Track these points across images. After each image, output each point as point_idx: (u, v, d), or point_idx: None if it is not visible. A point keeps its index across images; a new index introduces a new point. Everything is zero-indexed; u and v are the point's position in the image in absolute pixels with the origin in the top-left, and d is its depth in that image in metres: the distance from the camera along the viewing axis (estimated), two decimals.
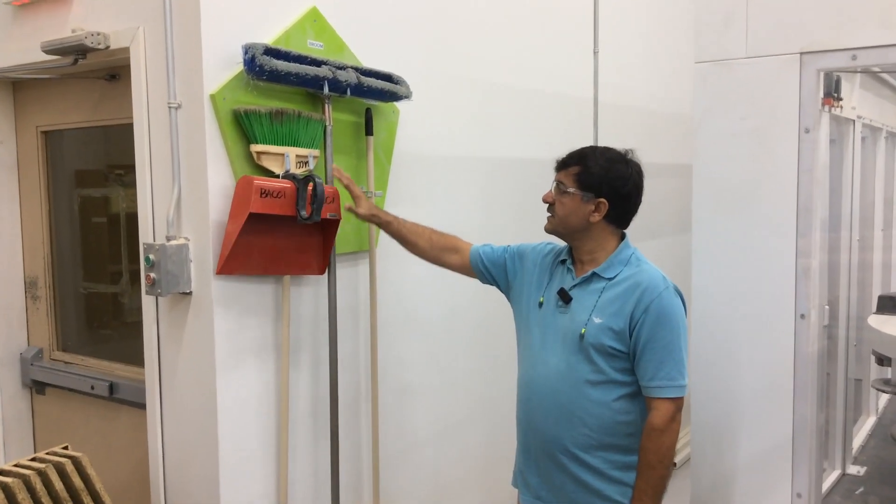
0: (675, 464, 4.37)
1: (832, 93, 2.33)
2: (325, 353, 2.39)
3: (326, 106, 2.28)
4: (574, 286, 2.04)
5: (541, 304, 2.08)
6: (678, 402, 1.94)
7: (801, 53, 2.23)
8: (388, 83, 2.43)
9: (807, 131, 2.23)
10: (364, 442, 2.62)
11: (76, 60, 2.23)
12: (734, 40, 2.30)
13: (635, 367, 1.96)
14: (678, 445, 4.56)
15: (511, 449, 2.26)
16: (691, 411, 2.54)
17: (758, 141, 2.32)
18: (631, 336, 1.94)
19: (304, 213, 2.11)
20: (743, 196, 2.36)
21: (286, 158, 2.16)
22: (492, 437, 3.15)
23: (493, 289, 2.30)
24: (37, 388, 2.78)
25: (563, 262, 2.11)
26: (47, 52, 2.22)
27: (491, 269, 2.24)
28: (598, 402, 1.97)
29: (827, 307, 2.52)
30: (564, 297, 2.04)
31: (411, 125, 2.71)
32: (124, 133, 2.28)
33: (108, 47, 2.17)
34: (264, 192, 2.03)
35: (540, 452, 2.06)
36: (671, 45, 4.48)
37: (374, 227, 2.53)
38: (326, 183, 2.27)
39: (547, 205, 2.08)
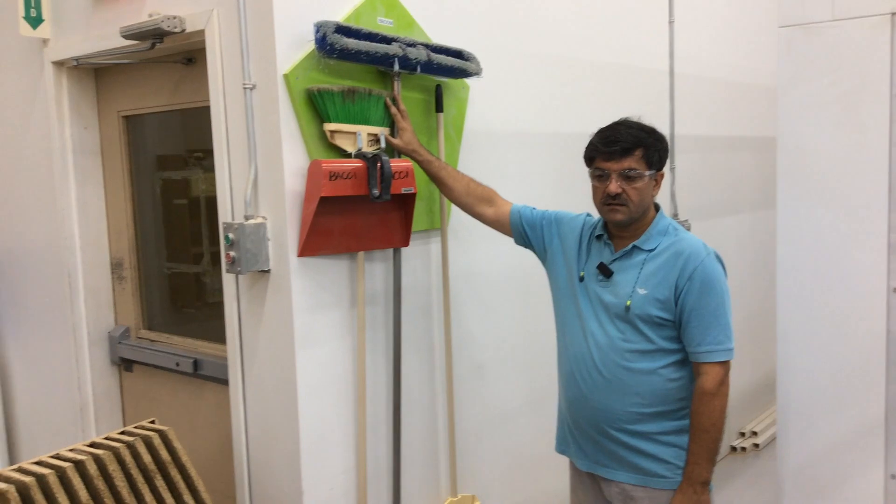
0: (757, 445, 4.27)
1: None
2: (399, 330, 2.40)
3: (396, 83, 2.28)
4: (614, 260, 2.04)
5: (582, 279, 2.08)
6: (726, 366, 1.96)
7: (893, 14, 2.11)
8: (458, 59, 2.41)
9: None
10: (440, 419, 2.63)
11: (153, 45, 2.28)
12: (820, 2, 2.18)
13: (682, 334, 1.97)
14: (763, 426, 4.43)
15: None
16: (777, 389, 2.45)
17: (846, 108, 2.20)
18: (676, 304, 1.95)
19: (376, 192, 2.12)
20: (830, 167, 2.25)
21: (358, 137, 2.17)
22: None
23: None
24: (125, 365, 2.89)
25: (599, 236, 2.09)
26: (125, 37, 2.28)
27: (528, 232, 2.24)
28: (648, 370, 1.98)
29: None
30: (605, 271, 2.04)
31: (481, 101, 2.68)
32: (202, 115, 2.32)
33: (183, 30, 2.21)
34: (334, 175, 2.05)
35: (591, 424, 2.06)
36: (751, 12, 4.31)
37: (445, 207, 2.53)
38: (396, 157, 2.27)
39: (609, 196, 1.98)
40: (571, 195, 3.10)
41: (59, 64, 2.70)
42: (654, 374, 1.97)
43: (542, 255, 2.23)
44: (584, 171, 3.11)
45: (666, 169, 2.11)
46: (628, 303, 1.97)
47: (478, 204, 2.29)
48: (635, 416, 1.99)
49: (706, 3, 3.96)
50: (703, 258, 1.95)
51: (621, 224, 2.02)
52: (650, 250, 2.00)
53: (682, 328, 1.96)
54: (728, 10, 4.16)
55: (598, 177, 2.02)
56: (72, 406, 2.88)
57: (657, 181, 2.03)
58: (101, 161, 2.85)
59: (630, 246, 2.03)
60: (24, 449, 3.22)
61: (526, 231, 2.24)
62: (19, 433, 3.22)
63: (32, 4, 2.63)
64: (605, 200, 2.00)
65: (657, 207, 2.07)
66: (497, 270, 2.83)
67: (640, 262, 2.00)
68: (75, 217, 2.79)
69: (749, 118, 4.35)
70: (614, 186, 1.97)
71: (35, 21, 2.66)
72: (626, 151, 1.97)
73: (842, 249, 2.26)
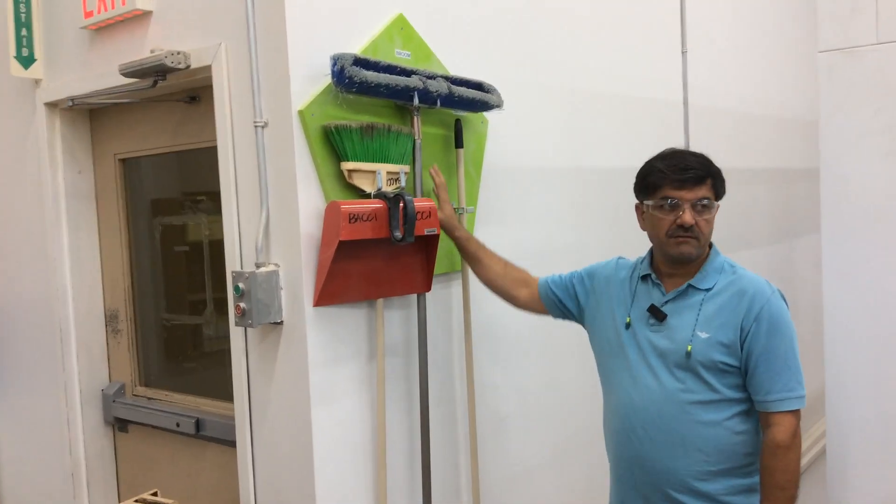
0: None
1: None
2: (426, 383, 2.22)
3: (415, 118, 2.13)
4: (666, 302, 1.87)
5: (628, 325, 1.91)
6: (798, 415, 1.79)
7: None
8: (479, 92, 2.28)
9: None
10: (463, 475, 2.44)
11: (156, 82, 2.13)
12: (863, 25, 2.07)
13: (748, 381, 1.80)
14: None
15: None
16: (826, 438, 2.29)
17: (894, 135, 2.08)
18: (742, 349, 1.78)
19: (398, 234, 1.97)
20: (879, 199, 2.12)
21: (378, 175, 2.02)
22: (596, 467, 2.94)
23: None
24: (119, 425, 2.68)
25: (646, 276, 1.93)
26: (125, 74, 2.13)
27: (562, 297, 2.10)
28: (711, 423, 1.80)
29: None
30: (658, 314, 1.86)
31: (500, 136, 2.55)
32: (206, 157, 2.17)
33: (188, 66, 2.07)
34: (353, 217, 1.89)
35: (650, 487, 1.87)
36: (765, 41, 4.25)
37: None
38: (417, 196, 2.13)
39: (681, 228, 1.82)
40: (595, 232, 2.97)
41: (52, 105, 2.55)
42: (718, 427, 1.79)
43: (581, 317, 2.08)
44: (607, 205, 3.00)
45: None
46: (689, 348, 1.79)
47: (515, 286, 2.16)
48: (700, 474, 1.80)
49: (723, 33, 3.88)
50: (769, 297, 1.79)
51: (690, 259, 1.85)
52: (707, 289, 1.84)
53: (749, 375, 1.79)
54: (745, 40, 4.08)
55: (668, 206, 1.83)
56: (62, 470, 2.67)
57: (715, 214, 1.88)
58: (95, 206, 2.68)
59: (685, 285, 1.86)
60: None
61: (558, 296, 2.10)
62: (5, 501, 2.99)
63: (24, 43, 2.49)
64: (673, 232, 1.83)
65: (710, 244, 1.93)
66: (521, 315, 2.66)
67: (698, 303, 1.83)
68: (67, 266, 2.61)
69: (764, 149, 4.26)
70: (689, 216, 1.80)
71: (27, 61, 2.51)
72: (701, 179, 1.82)
73: (895, 287, 2.11)
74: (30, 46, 2.49)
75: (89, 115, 2.65)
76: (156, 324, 2.64)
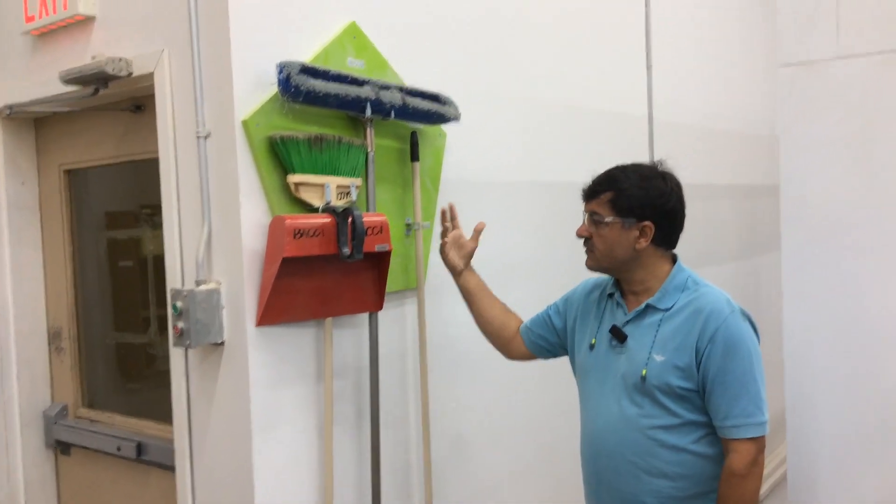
0: None
1: None
2: (377, 406, 2.14)
3: (368, 130, 2.07)
4: (627, 322, 1.81)
5: (592, 347, 1.86)
6: (759, 443, 1.70)
7: None
8: (435, 104, 2.22)
9: None
10: (416, 502, 2.36)
11: (97, 90, 2.05)
12: (822, 40, 2.04)
13: (707, 404, 1.73)
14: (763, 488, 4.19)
15: (578, 496, 2.00)
16: (787, 457, 2.24)
17: (854, 150, 2.05)
18: (698, 371, 1.71)
19: (346, 251, 1.89)
20: (840, 214, 2.08)
21: (326, 189, 1.94)
22: (557, 488, 2.87)
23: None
24: (61, 448, 2.57)
25: (611, 295, 1.88)
26: (66, 81, 2.04)
27: (543, 334, 2.05)
28: (676, 447, 1.73)
29: None
30: (618, 335, 1.81)
31: (458, 149, 2.48)
32: (152, 168, 2.09)
33: (130, 74, 1.98)
34: (299, 233, 1.82)
35: None
36: (736, 58, 4.25)
37: (422, 263, 2.30)
38: (370, 210, 2.05)
39: (583, 239, 1.87)
40: (555, 247, 2.91)
41: None
42: (682, 452, 1.72)
43: (566, 347, 2.02)
44: (568, 221, 2.93)
45: None
46: (644, 372, 1.72)
47: (511, 332, 2.11)
48: (667, 500, 1.73)
49: (689, 48, 3.86)
50: (727, 316, 1.71)
51: (594, 270, 1.87)
52: (666, 309, 1.77)
53: (706, 398, 1.71)
54: (710, 56, 4.07)
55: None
56: None
57: (642, 232, 1.78)
58: (39, 219, 2.58)
59: (644, 305, 1.79)
60: None
61: (539, 334, 2.05)
62: None
63: None
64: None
65: (674, 259, 1.86)
66: (478, 333, 2.59)
67: (656, 324, 1.76)
68: (9, 282, 2.50)
69: (730, 164, 4.24)
70: (582, 228, 1.86)
71: None
72: (594, 194, 1.84)
73: (856, 306, 2.07)
74: None
75: (34, 125, 2.55)
76: (101, 342, 2.53)
